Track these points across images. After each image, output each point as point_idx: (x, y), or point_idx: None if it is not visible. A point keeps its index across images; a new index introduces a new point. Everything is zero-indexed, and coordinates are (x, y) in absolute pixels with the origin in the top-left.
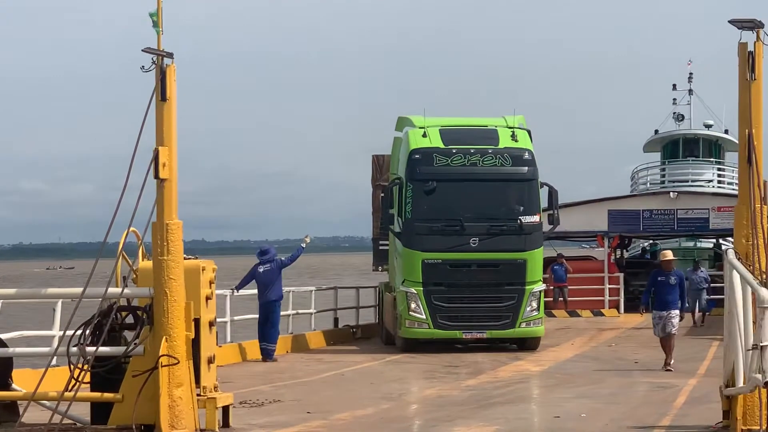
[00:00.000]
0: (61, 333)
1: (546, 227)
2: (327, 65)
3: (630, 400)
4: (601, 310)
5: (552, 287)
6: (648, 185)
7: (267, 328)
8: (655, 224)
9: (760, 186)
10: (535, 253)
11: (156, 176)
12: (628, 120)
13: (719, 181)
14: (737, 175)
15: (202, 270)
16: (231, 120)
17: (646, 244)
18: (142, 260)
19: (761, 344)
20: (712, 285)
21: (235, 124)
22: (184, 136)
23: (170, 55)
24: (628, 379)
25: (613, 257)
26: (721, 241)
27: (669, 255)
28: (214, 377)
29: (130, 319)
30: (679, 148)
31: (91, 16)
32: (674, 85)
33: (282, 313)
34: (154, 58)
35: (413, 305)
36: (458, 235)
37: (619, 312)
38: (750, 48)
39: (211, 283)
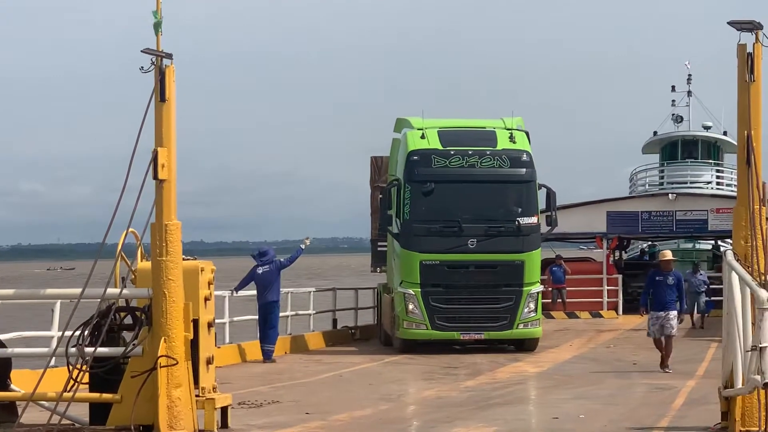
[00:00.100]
0: (60, 334)
1: (544, 229)
2: (327, 65)
3: (628, 401)
4: (600, 311)
5: (550, 288)
6: (647, 187)
7: (266, 329)
8: (654, 226)
9: (758, 187)
10: (533, 254)
11: (155, 177)
12: (627, 121)
13: (718, 183)
14: (736, 177)
15: (201, 271)
16: (230, 120)
17: (644, 245)
18: (141, 261)
19: (760, 345)
20: (711, 287)
21: (234, 125)
22: (183, 137)
23: (169, 56)
24: (627, 380)
25: (611, 259)
26: (719, 242)
27: (668, 255)
28: (213, 378)
29: (128, 320)
30: (677, 150)
31: (91, 16)
32: (673, 87)
33: (281, 314)
34: (153, 59)
35: (411, 306)
36: (456, 236)
37: (617, 313)
38: (749, 49)
39: (209, 284)
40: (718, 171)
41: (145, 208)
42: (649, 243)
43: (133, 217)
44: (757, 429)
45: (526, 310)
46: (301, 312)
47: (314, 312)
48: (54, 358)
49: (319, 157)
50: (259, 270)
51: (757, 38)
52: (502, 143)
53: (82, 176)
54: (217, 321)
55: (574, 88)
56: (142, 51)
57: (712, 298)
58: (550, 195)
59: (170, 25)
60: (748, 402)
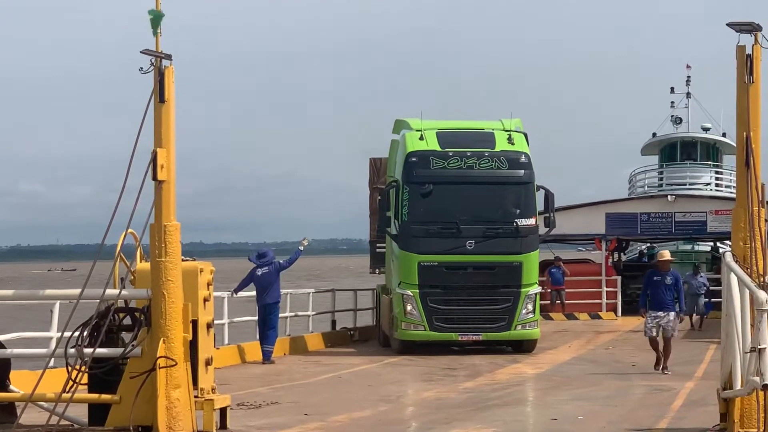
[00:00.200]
0: (59, 334)
1: (542, 230)
2: (326, 66)
3: (627, 402)
4: (599, 312)
5: (549, 290)
6: (646, 188)
7: (265, 331)
8: (653, 227)
9: (757, 189)
10: (531, 255)
11: (154, 178)
12: (626, 122)
13: (717, 185)
14: (735, 179)
15: (200, 272)
16: (229, 121)
17: (643, 247)
18: (140, 262)
19: (759, 347)
20: (710, 289)
21: (233, 126)
22: (182, 137)
23: (168, 57)
24: (626, 381)
25: (610, 260)
26: (718, 244)
27: (667, 255)
28: (212, 379)
29: (127, 321)
30: (677, 152)
31: (91, 16)
32: (672, 89)
33: (280, 315)
34: (153, 60)
35: (409, 307)
36: (454, 237)
37: (616, 315)
38: (748, 51)
39: (208, 284)
40: (717, 173)
41: (145, 209)
42: (648, 244)
43: (132, 218)
44: (756, 430)
45: (524, 311)
46: (300, 313)
47: (313, 313)
48: (53, 358)
49: (318, 159)
50: (259, 271)
51: (756, 40)
52: (501, 145)
53: (81, 177)
54: (216, 322)
55: (573, 89)
56: (141, 52)
57: (712, 300)
58: (548, 196)
59: (170, 25)
60: (747, 403)
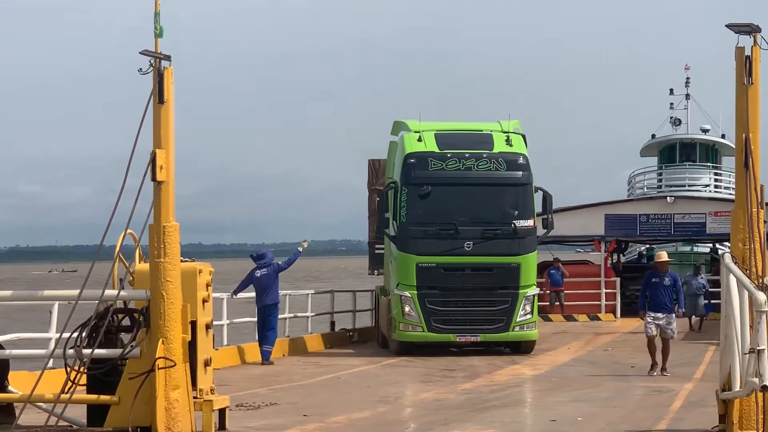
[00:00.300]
0: (58, 335)
1: (540, 231)
2: (326, 66)
3: (626, 403)
4: (598, 314)
5: (549, 291)
6: (645, 190)
7: (265, 331)
8: (652, 229)
9: (756, 190)
10: (529, 257)
11: (153, 178)
12: (625, 123)
13: (716, 186)
14: (734, 180)
15: (199, 273)
16: (229, 122)
17: (642, 248)
18: (139, 263)
19: (758, 348)
20: (709, 290)
21: (232, 127)
22: (182, 138)
23: (168, 58)
24: (625, 383)
25: (609, 262)
26: (717, 245)
27: (664, 256)
28: (211, 380)
29: (126, 322)
30: (676, 153)
31: (91, 16)
32: (671, 90)
33: (279, 316)
34: (152, 61)
35: (407, 308)
36: (452, 238)
37: (615, 316)
38: (747, 52)
39: (207, 285)
40: (716, 174)
41: (144, 210)
42: (647, 246)
43: (132, 219)
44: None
45: (522, 312)
46: (299, 314)
47: (312, 314)
48: (52, 359)
49: (318, 159)
50: (258, 273)
51: (755, 41)
52: (499, 146)
53: (80, 178)
54: (215, 323)
55: (572, 90)
56: (140, 53)
57: (711, 302)
58: (547, 198)
59: (170, 25)
60: (745, 405)
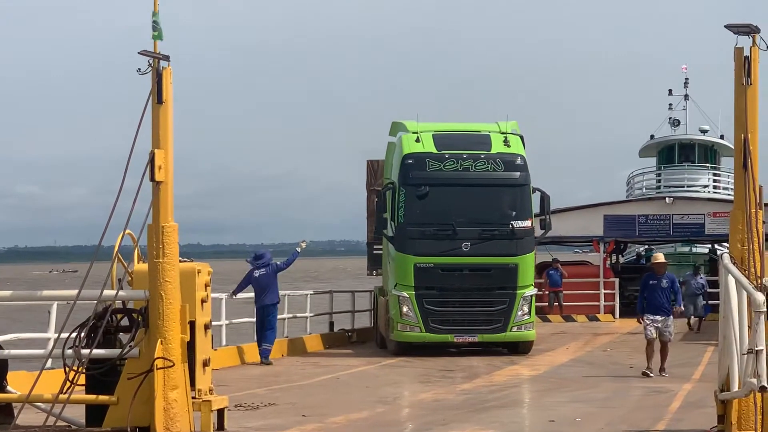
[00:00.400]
0: (57, 335)
1: (538, 232)
2: (325, 67)
3: (625, 404)
4: (597, 315)
5: (547, 292)
6: (644, 190)
7: (264, 331)
8: (651, 229)
9: (755, 191)
10: (527, 257)
11: (152, 179)
12: (624, 123)
13: (715, 187)
14: (733, 181)
15: (198, 273)
16: (228, 122)
17: (641, 249)
18: (138, 263)
19: (756, 348)
20: (708, 291)
21: (232, 126)
22: (181, 138)
23: (166, 58)
24: (623, 383)
25: (608, 262)
26: (716, 246)
27: (660, 258)
28: (209, 380)
29: (125, 322)
30: (674, 154)
31: (91, 16)
32: (670, 90)
33: (278, 316)
34: (151, 61)
35: (405, 309)
36: (450, 239)
37: (614, 317)
38: (746, 53)
39: (206, 285)
40: (714, 175)
41: (143, 210)
42: (646, 247)
43: (130, 219)
44: None
45: (519, 313)
46: (298, 314)
47: (311, 314)
48: (50, 359)
49: (317, 159)
50: (256, 273)
51: (754, 42)
52: (497, 147)
53: (79, 178)
54: (214, 323)
55: (572, 90)
56: (139, 53)
57: (709, 302)
58: (544, 199)
59: (169, 25)
60: (744, 405)
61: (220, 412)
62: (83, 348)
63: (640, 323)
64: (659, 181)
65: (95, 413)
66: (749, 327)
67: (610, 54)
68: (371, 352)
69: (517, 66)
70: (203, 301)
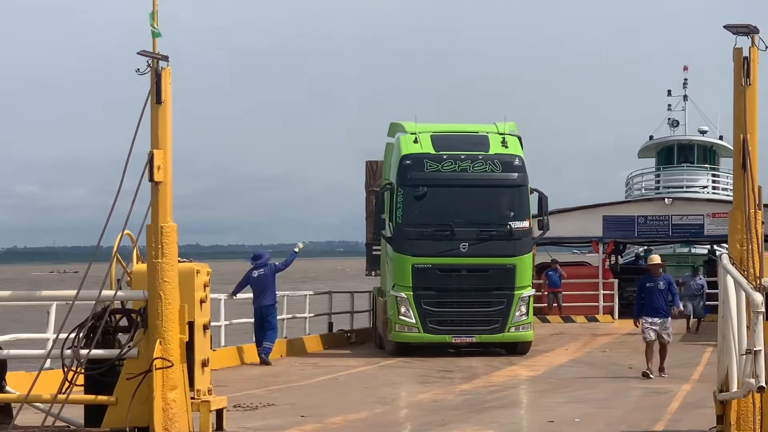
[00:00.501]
0: (55, 335)
1: (536, 233)
2: (325, 67)
3: (624, 404)
4: (596, 315)
5: (546, 293)
6: (643, 191)
7: (263, 332)
8: (650, 230)
9: (754, 191)
10: (525, 258)
11: (151, 179)
12: (623, 124)
13: (714, 188)
14: (732, 182)
15: (197, 273)
16: (228, 122)
17: (640, 250)
18: (137, 263)
19: (755, 349)
20: (707, 291)
21: (232, 126)
22: (180, 138)
23: (165, 58)
24: (622, 384)
25: (607, 263)
26: (715, 247)
27: (656, 259)
28: (208, 380)
29: (124, 322)
30: (673, 154)
31: (91, 15)
32: (669, 91)
33: (278, 317)
34: (150, 61)
35: (403, 309)
36: (448, 240)
37: (613, 318)
38: (745, 53)
39: (205, 286)
40: (714, 175)
41: (142, 211)
42: (645, 247)
43: (129, 220)
44: None
45: (517, 313)
46: (297, 315)
47: (311, 315)
48: (49, 360)
49: (317, 160)
50: (255, 273)
51: (753, 42)
52: (495, 148)
53: (79, 178)
54: (213, 324)
55: (571, 90)
56: (138, 53)
57: (708, 303)
58: (542, 199)
59: (169, 25)
60: (743, 405)
61: (219, 413)
62: (82, 348)
63: (638, 326)
64: (658, 181)
65: (94, 413)
66: (748, 327)
67: (610, 54)
68: (370, 353)
69: (517, 66)
70: (202, 301)
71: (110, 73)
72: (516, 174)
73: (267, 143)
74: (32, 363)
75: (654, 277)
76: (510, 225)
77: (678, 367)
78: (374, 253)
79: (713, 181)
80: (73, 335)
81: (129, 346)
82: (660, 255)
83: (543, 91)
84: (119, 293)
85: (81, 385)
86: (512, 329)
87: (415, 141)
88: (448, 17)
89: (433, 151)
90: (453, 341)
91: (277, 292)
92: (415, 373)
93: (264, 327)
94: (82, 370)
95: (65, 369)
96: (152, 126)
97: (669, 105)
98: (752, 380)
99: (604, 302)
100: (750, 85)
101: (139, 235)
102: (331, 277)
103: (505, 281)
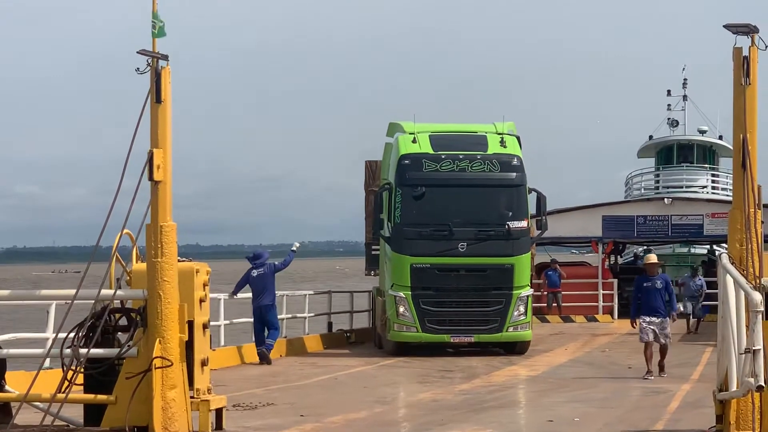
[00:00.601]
0: (55, 335)
1: (534, 233)
2: (325, 67)
3: (623, 404)
4: (595, 315)
5: (546, 292)
6: (642, 191)
7: (264, 331)
8: (650, 230)
9: (754, 190)
10: (523, 258)
11: (150, 178)
12: (623, 124)
13: (713, 187)
14: (731, 181)
15: (196, 272)
16: (227, 123)
17: (639, 250)
18: (136, 262)
19: (754, 348)
20: (706, 291)
21: (232, 126)
22: (180, 138)
23: (165, 58)
24: (622, 384)
25: (607, 263)
26: (715, 247)
27: (653, 258)
28: (208, 380)
29: (123, 321)
30: (673, 154)
31: (91, 16)
32: (669, 91)
33: (277, 316)
34: (149, 60)
35: (401, 309)
36: (446, 239)
37: (612, 317)
38: (745, 53)
39: (204, 285)
40: (713, 175)
41: (141, 210)
42: (644, 247)
43: (128, 219)
44: None
45: (516, 313)
46: (297, 315)
47: (310, 315)
48: (49, 359)
49: (317, 160)
50: (254, 273)
51: (753, 41)
52: (493, 148)
53: (79, 178)
54: (212, 323)
55: (571, 90)
56: (138, 52)
57: (707, 303)
58: (540, 199)
59: (169, 24)
60: (742, 405)
61: (219, 412)
62: (81, 347)
63: (634, 327)
64: (658, 181)
65: (93, 413)
66: (747, 327)
67: (610, 54)
68: (370, 353)
69: (517, 66)
70: (201, 300)
71: (111, 73)
72: (514, 174)
73: (267, 143)
74: (32, 362)
75: (651, 276)
76: (508, 225)
77: (677, 366)
78: (373, 252)
79: (713, 181)
80: (72, 334)
81: (128, 346)
82: (659, 255)
83: (543, 91)
84: (119, 292)
85: (80, 385)
86: (510, 329)
87: (414, 141)
88: (448, 17)
89: (431, 151)
90: (451, 341)
91: (276, 292)
92: (415, 373)
93: (265, 326)
94: (82, 370)
95: (65, 368)
96: (152, 125)
97: (669, 105)
98: (751, 379)
99: (603, 302)
100: (750, 84)
101: (138, 234)
102: (330, 277)
103: (504, 281)
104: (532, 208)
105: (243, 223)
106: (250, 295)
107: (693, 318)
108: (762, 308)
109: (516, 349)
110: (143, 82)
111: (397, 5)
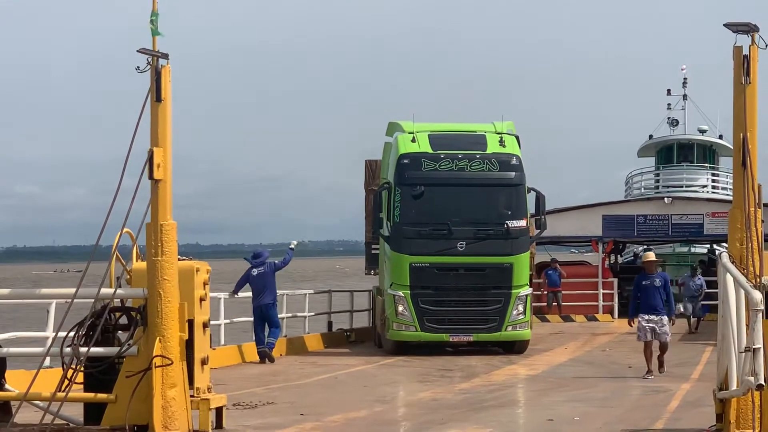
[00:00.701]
0: (55, 334)
1: (533, 232)
2: (325, 67)
3: (623, 403)
4: (595, 314)
5: (546, 292)
6: (642, 190)
7: (264, 330)
8: (650, 229)
9: (754, 189)
10: (522, 257)
11: (150, 177)
12: (623, 123)
13: (713, 187)
14: (731, 181)
15: (196, 271)
16: (227, 122)
17: (639, 249)
18: (136, 261)
19: (754, 347)
20: (705, 291)
21: (232, 126)
22: (180, 138)
23: (165, 56)
24: (622, 383)
25: (607, 262)
26: (715, 246)
27: (651, 256)
28: (208, 378)
29: (124, 320)
30: (673, 154)
31: (91, 16)
32: (669, 90)
33: (278, 315)
34: (149, 59)
35: (401, 308)
36: (445, 239)
37: (612, 317)
38: (745, 52)
39: (205, 284)
40: (713, 175)
41: (141, 209)
42: (644, 247)
43: (128, 218)
44: (752, 431)
45: (514, 312)
46: (297, 314)
47: (311, 314)
48: (49, 358)
49: (317, 159)
50: (254, 272)
51: (753, 40)
52: (492, 147)
53: (78, 178)
54: (213, 322)
55: (571, 90)
56: (137, 51)
57: (707, 302)
58: (540, 198)
59: (169, 24)
60: (742, 404)
61: (219, 411)
62: (81, 346)
63: (632, 326)
64: (658, 181)
65: (93, 411)
66: (747, 326)
67: (610, 54)
68: (370, 352)
69: (517, 66)
70: (202, 299)
71: (110, 73)
72: (513, 173)
73: (267, 143)
74: (32, 361)
75: (649, 274)
76: (507, 224)
77: (677, 366)
78: (373, 252)
79: (713, 181)
80: (72, 333)
81: (128, 344)
82: (659, 254)
83: (543, 91)
84: (119, 291)
85: (80, 383)
86: (509, 328)
87: (413, 140)
88: (448, 17)
89: (430, 151)
90: (450, 340)
91: (277, 291)
92: (415, 372)
93: (266, 325)
94: (82, 368)
95: (65, 367)
96: (152, 124)
97: (669, 104)
98: (751, 378)
99: (603, 301)
100: (750, 83)
101: (138, 233)
102: (330, 276)
103: (502, 280)
104: (531, 208)
105: (243, 222)
106: (250, 294)
107: (693, 317)
108: (762, 307)
109: (515, 348)
110: (143, 81)
111: (397, 5)
